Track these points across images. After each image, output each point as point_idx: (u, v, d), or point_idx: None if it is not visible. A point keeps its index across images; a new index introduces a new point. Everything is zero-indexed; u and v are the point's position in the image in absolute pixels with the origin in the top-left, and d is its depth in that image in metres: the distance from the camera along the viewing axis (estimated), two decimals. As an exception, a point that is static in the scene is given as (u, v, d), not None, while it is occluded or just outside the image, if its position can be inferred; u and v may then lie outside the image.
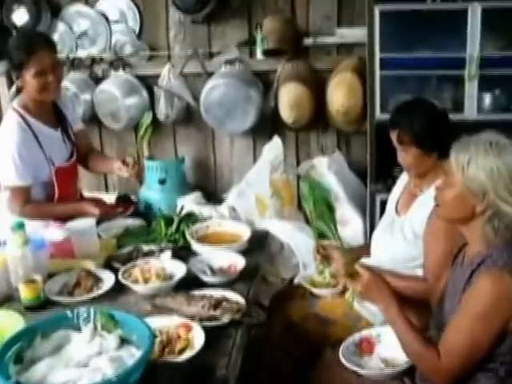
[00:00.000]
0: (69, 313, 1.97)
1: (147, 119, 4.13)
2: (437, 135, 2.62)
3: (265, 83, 4.64)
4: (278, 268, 4.22)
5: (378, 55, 3.86)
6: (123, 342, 1.89)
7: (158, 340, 2.08)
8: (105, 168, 3.54)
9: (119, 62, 4.78)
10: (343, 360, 2.30)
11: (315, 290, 2.88)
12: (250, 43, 4.61)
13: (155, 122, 4.71)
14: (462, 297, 1.97)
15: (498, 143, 1.96)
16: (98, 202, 3.28)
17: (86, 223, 2.85)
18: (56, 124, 3.24)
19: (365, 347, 2.42)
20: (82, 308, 1.99)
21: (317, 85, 4.45)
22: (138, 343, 1.86)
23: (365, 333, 2.48)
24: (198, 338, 2.11)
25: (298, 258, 4.00)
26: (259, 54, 4.55)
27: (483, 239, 2.00)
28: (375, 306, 2.30)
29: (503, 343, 1.92)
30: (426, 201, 2.57)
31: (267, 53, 4.49)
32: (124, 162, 3.22)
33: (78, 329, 1.94)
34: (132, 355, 1.82)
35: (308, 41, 4.50)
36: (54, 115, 3.25)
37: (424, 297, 2.48)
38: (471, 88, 3.83)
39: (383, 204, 3.81)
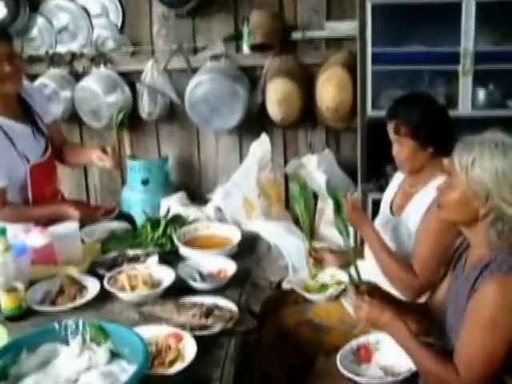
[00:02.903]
0: (56, 325, 1.88)
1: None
2: (434, 129, 2.58)
3: (252, 79, 4.62)
4: (266, 270, 4.16)
5: (369, 49, 3.83)
6: (113, 355, 1.80)
7: None
8: (83, 159, 3.44)
9: (100, 58, 4.72)
10: (341, 368, 2.21)
11: (308, 296, 2.78)
12: (236, 38, 4.60)
13: (138, 119, 4.65)
14: (468, 304, 1.92)
15: (503, 143, 1.91)
16: (78, 204, 3.20)
17: (68, 227, 2.74)
18: (25, 118, 3.14)
19: (363, 355, 2.33)
20: (70, 320, 1.89)
21: (305, 80, 4.43)
22: (130, 357, 1.77)
23: (362, 340, 2.38)
24: (190, 349, 2.02)
25: (287, 260, 3.95)
26: (246, 49, 4.54)
27: (486, 242, 1.95)
28: (384, 332, 2.21)
29: None
30: (421, 201, 2.55)
31: (254, 47, 4.47)
32: (104, 151, 3.16)
33: (66, 342, 1.85)
34: (124, 370, 1.74)
35: (296, 35, 4.48)
36: (22, 110, 3.15)
37: (405, 286, 2.51)
38: (465, 83, 3.82)
39: (375, 204, 3.76)
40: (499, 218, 1.89)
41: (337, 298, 2.72)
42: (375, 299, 2.22)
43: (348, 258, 2.63)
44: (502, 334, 1.85)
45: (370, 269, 2.65)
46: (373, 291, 2.30)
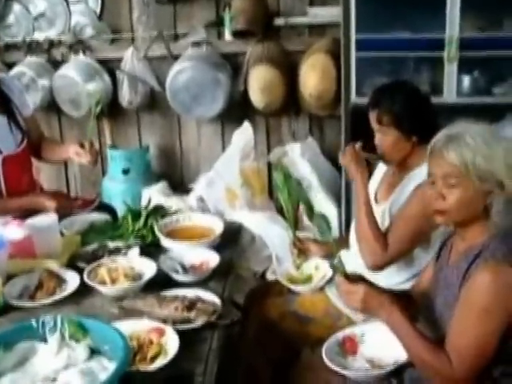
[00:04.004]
0: (33, 322, 1.81)
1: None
2: (417, 118, 2.56)
3: (234, 66, 4.58)
4: (250, 261, 4.13)
5: (353, 36, 3.80)
6: (93, 352, 1.75)
7: None
8: (60, 155, 3.37)
9: (79, 45, 4.65)
10: (327, 361, 2.18)
11: (293, 287, 2.78)
12: (217, 24, 4.55)
13: (118, 108, 4.60)
14: (460, 293, 1.90)
15: (490, 130, 1.94)
16: (55, 195, 3.15)
17: (47, 219, 2.69)
18: (1, 109, 3.09)
19: (348, 347, 2.30)
20: (48, 316, 1.83)
21: (288, 67, 4.40)
22: (110, 354, 1.72)
23: (348, 331, 2.36)
24: (172, 343, 1.98)
25: (271, 251, 3.91)
26: (228, 36, 4.49)
27: (481, 229, 1.94)
28: (378, 319, 2.17)
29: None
30: (406, 189, 2.54)
31: (236, 34, 4.44)
32: (82, 146, 3.11)
33: (44, 339, 1.79)
34: (104, 368, 1.68)
35: (279, 21, 4.45)
36: None
37: (372, 254, 2.54)
38: (450, 70, 3.79)
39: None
40: (509, 202, 1.90)
41: (322, 289, 2.71)
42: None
43: (332, 248, 2.60)
44: (495, 323, 1.84)
45: (355, 259, 2.65)
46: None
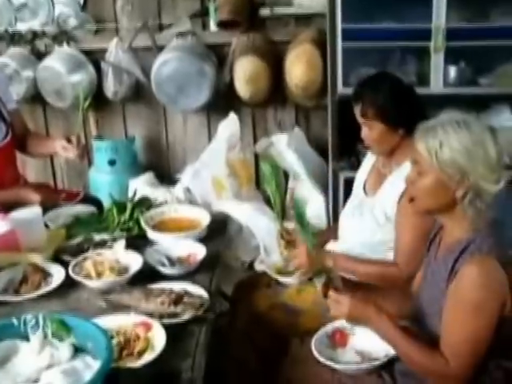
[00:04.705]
0: (15, 320, 1.77)
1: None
2: (402, 109, 2.54)
3: (219, 57, 4.54)
4: (237, 250, 4.13)
5: (339, 26, 3.76)
6: (77, 350, 1.72)
7: (114, 342, 1.92)
8: (46, 149, 3.36)
9: (63, 36, 4.60)
10: (316, 354, 2.18)
11: (281, 278, 2.76)
12: (202, 14, 4.52)
13: (103, 99, 4.61)
14: (449, 288, 1.90)
15: (464, 121, 1.91)
16: (38, 187, 3.15)
17: (31, 212, 2.67)
18: None
19: (338, 339, 2.30)
20: (30, 314, 1.78)
21: (274, 58, 4.37)
22: (94, 351, 1.69)
23: (337, 323, 2.35)
24: (159, 338, 1.96)
25: (259, 241, 3.91)
26: (213, 26, 4.47)
27: (465, 224, 1.93)
28: (366, 327, 2.16)
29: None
30: (396, 181, 2.51)
31: (221, 24, 4.39)
32: (69, 140, 3.09)
33: (26, 337, 1.75)
34: (88, 366, 1.65)
35: (264, 11, 4.41)
36: None
37: (393, 282, 2.46)
38: (437, 60, 3.78)
39: (347, 182, 3.75)
40: (477, 196, 1.88)
41: (310, 280, 2.70)
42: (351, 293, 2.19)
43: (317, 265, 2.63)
44: (486, 316, 1.84)
45: (345, 248, 2.66)
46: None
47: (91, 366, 1.64)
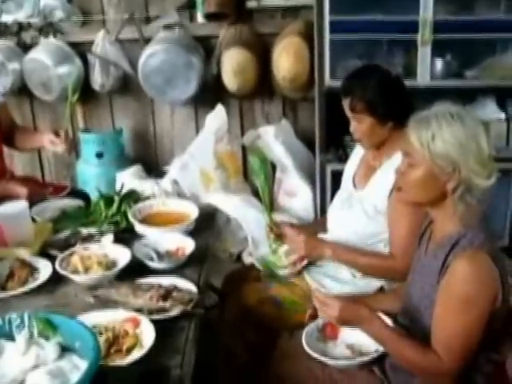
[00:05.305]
0: (-1, 319, 1.74)
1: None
2: (391, 103, 2.52)
3: (206, 49, 4.53)
4: (226, 242, 4.14)
5: (327, 18, 3.75)
6: (63, 349, 1.67)
7: (103, 339, 1.91)
8: (34, 143, 3.33)
9: (49, 28, 4.57)
10: (307, 349, 2.17)
11: (271, 272, 2.75)
12: (189, 6, 4.50)
13: (90, 91, 4.60)
14: (440, 283, 1.90)
15: (458, 113, 1.89)
16: (25, 181, 3.14)
17: (17, 206, 2.63)
18: None
19: (329, 332, 2.29)
20: (15, 313, 1.72)
21: (261, 50, 4.37)
22: (81, 351, 1.64)
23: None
24: (148, 334, 1.94)
25: (247, 233, 3.90)
26: (200, 18, 4.46)
27: (455, 218, 1.93)
28: (359, 330, 2.15)
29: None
30: (385, 174, 2.49)
31: (208, 16, 4.39)
32: (57, 134, 3.07)
33: (11, 337, 1.69)
34: (75, 366, 1.60)
35: (252, 3, 4.41)
36: None
37: (393, 274, 2.47)
38: (424, 53, 3.78)
39: (334, 175, 3.74)
40: (468, 191, 1.87)
41: (299, 273, 2.70)
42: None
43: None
44: (478, 311, 1.84)
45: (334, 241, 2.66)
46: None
47: (78, 366, 1.60)
